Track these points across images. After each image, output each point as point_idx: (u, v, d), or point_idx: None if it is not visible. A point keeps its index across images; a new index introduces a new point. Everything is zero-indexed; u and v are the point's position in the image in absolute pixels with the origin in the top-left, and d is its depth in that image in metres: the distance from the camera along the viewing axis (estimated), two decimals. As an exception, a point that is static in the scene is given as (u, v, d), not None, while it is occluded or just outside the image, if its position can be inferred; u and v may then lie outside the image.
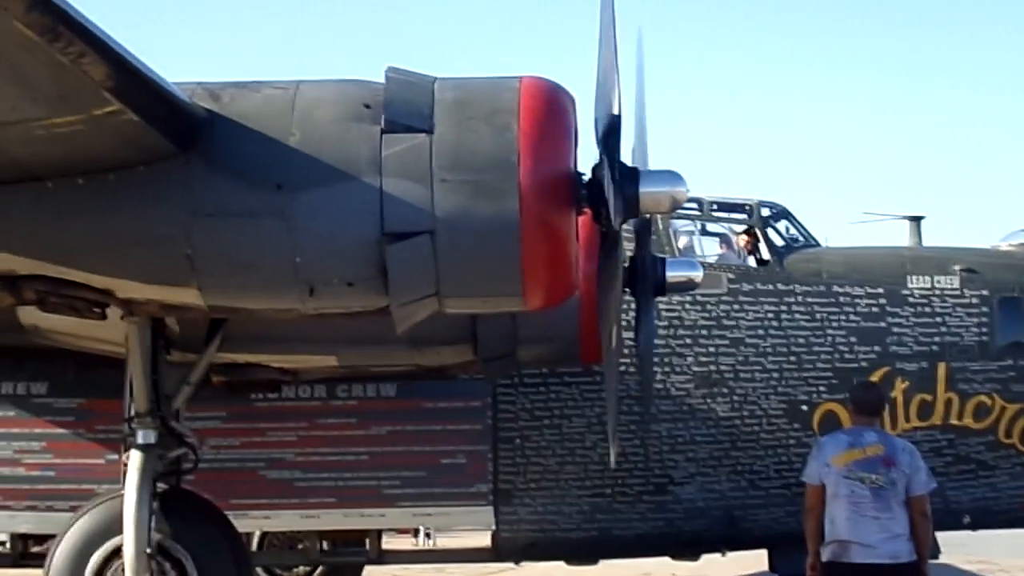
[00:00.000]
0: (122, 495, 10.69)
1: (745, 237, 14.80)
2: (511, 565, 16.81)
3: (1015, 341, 14.29)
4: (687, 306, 14.14)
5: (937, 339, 14.25)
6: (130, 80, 8.54)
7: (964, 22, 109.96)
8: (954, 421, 14.16)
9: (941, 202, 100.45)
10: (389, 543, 16.81)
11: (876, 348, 14.23)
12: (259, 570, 15.70)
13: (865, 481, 10.18)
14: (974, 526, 14.42)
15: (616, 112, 9.72)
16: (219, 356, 11.83)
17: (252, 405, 13.84)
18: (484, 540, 14.63)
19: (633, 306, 12.23)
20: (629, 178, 9.94)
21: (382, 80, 9.34)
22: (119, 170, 9.16)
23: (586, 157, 9.73)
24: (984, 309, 14.35)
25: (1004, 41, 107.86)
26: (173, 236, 9.21)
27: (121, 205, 9.23)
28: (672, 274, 12.39)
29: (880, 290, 14.37)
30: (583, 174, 9.66)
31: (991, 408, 14.18)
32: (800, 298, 14.33)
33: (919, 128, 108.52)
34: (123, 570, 10.60)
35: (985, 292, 14.40)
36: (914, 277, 14.44)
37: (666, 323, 14.01)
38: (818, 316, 14.28)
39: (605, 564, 15.31)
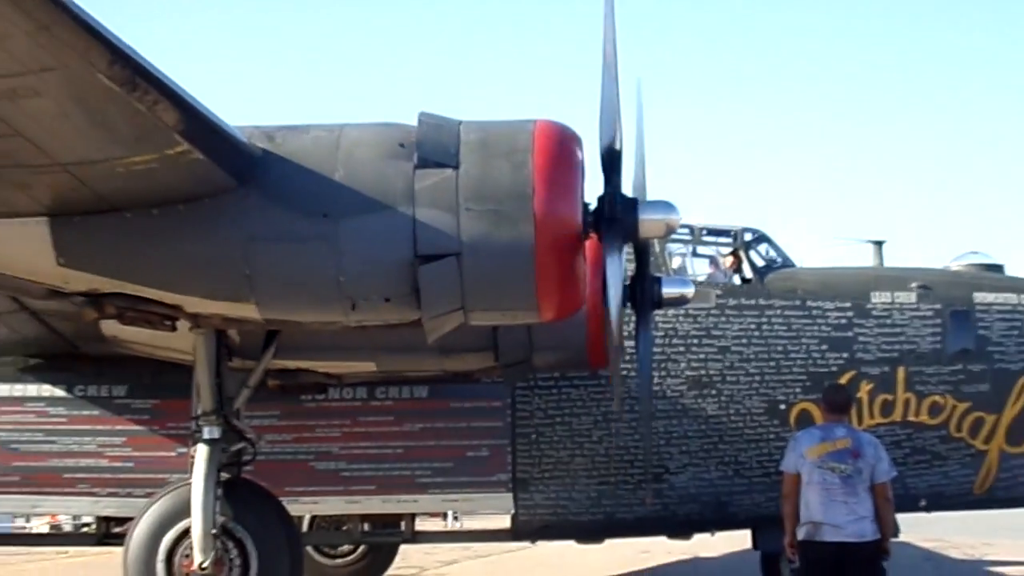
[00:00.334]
0: (191, 483, 10.69)
1: (730, 258, 14.75)
2: (528, 544, 16.77)
3: (964, 348, 14.23)
4: (680, 318, 14.10)
5: (897, 347, 14.20)
6: (197, 124, 8.56)
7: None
8: (912, 418, 14.10)
9: (902, 227, 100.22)
10: (421, 525, 16.79)
11: (844, 354, 14.18)
12: (309, 549, 15.66)
13: (835, 470, 10.15)
14: (929, 508, 14.34)
15: (618, 149, 9.72)
16: (274, 362, 11.82)
17: (302, 405, 13.81)
18: (504, 522, 14.58)
19: (633, 319, 12.20)
20: (629, 207, 9.96)
21: (415, 123, 9.37)
22: (187, 201, 9.18)
23: (593, 187, 9.75)
24: (937, 321, 14.29)
25: (964, 81, 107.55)
26: (234, 259, 9.23)
27: (189, 232, 9.24)
28: (667, 291, 12.34)
29: (848, 304, 14.32)
30: (589, 204, 9.66)
31: (943, 406, 14.12)
32: (778, 311, 14.29)
33: (883, 162, 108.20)
34: (192, 548, 10.61)
35: (938, 306, 14.34)
36: (877, 293, 14.39)
37: (662, 333, 13.96)
38: (794, 327, 14.24)
39: (609, 543, 15.27)
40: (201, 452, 10.76)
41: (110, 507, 13.89)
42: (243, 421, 11.46)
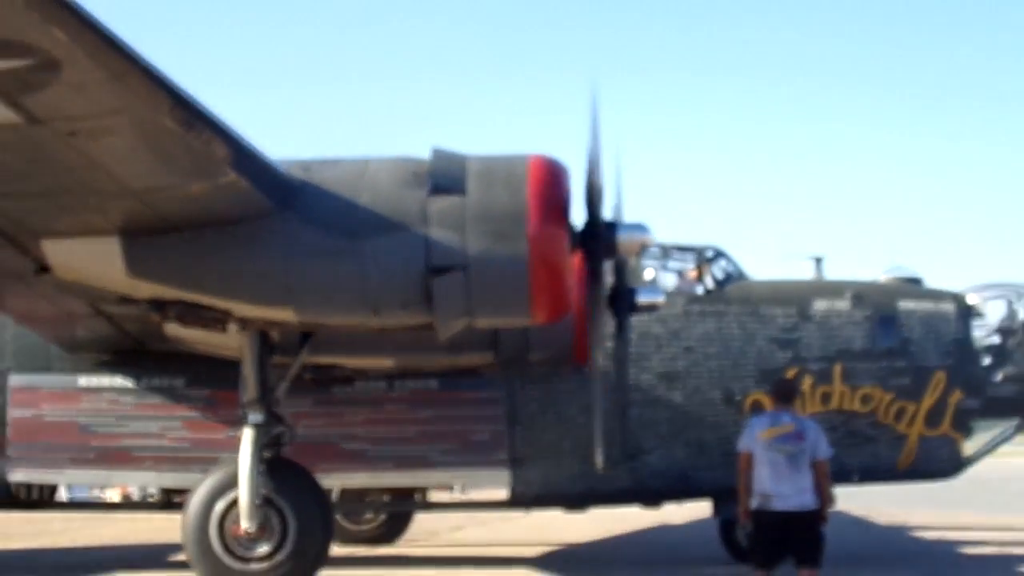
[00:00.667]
0: (238, 461, 10.67)
1: (695, 272, 14.74)
2: (523, 512, 16.74)
3: (890, 347, 14.22)
4: (652, 322, 14.07)
5: (834, 346, 14.19)
6: (244, 157, 8.59)
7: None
8: (846, 407, 14.07)
9: (838, 245, 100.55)
10: (433, 496, 16.76)
11: (790, 353, 14.15)
12: (338, 516, 15.61)
13: (782, 451, 10.11)
14: (861, 481, 14.32)
15: (600, 182, 9.75)
16: (308, 358, 11.79)
17: (332, 395, 13.76)
18: (503, 494, 14.54)
19: (613, 322, 12.18)
20: (610, 228, 10.01)
21: (428, 156, 9.40)
22: (236, 223, 9.19)
23: (579, 210, 9.77)
24: (868, 325, 14.28)
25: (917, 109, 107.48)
26: (275, 272, 9.25)
27: (237, 249, 9.26)
28: (642, 299, 12.34)
29: (793, 310, 14.30)
30: (576, 225, 9.67)
31: (873, 397, 14.10)
32: (735, 316, 14.25)
33: (824, 183, 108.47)
34: (240, 515, 10.58)
35: (868, 312, 14.33)
36: (818, 301, 14.38)
37: (637, 335, 13.93)
38: (748, 329, 14.21)
39: (592, 511, 15.23)
40: (247, 434, 10.74)
41: (171, 480, 13.86)
42: (282, 408, 11.43)
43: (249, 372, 10.90)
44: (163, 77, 7.54)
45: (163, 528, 17.08)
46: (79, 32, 6.84)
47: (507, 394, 13.90)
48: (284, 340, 11.28)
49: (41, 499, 14.65)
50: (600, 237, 9.95)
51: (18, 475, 13.81)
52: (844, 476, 13.50)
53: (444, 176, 9.21)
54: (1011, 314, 14.68)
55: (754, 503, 10.19)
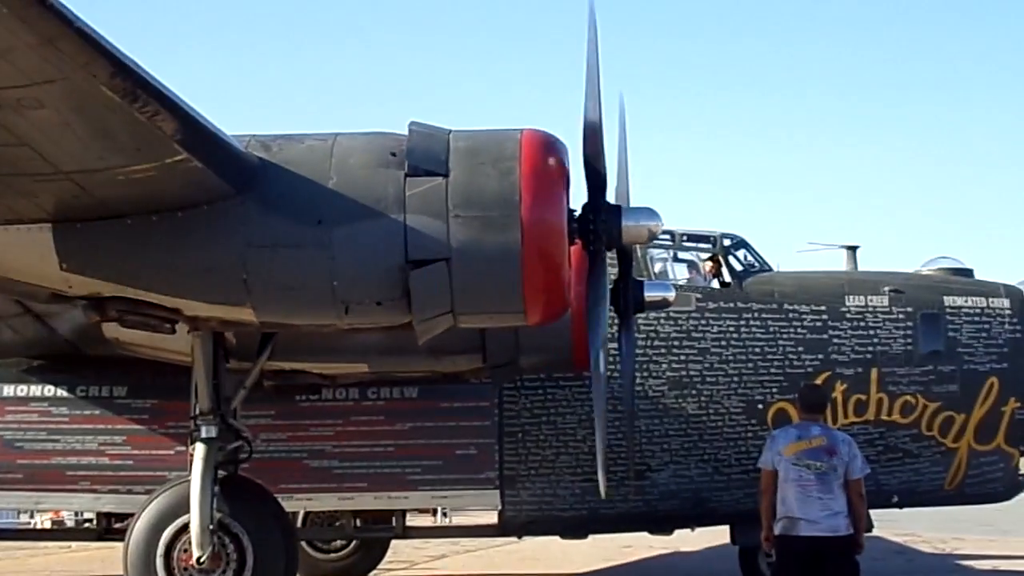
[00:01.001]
0: (189, 481, 10.69)
1: (710, 263, 14.77)
2: (514, 539, 16.79)
3: (934, 350, 14.26)
4: (662, 321, 14.11)
5: (870, 348, 14.22)
6: (196, 133, 8.57)
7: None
8: (884, 417, 14.12)
9: (875, 232, 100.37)
10: (412, 521, 16.80)
11: (819, 356, 14.20)
12: (303, 544, 15.64)
13: (811, 467, 10.17)
14: (901, 504, 14.39)
15: (602, 158, 9.75)
16: (269, 364, 11.83)
17: (297, 405, 13.79)
18: (491, 518, 14.59)
19: (616, 321, 12.22)
20: (613, 214, 10.01)
21: (405, 132, 9.38)
22: (186, 208, 9.19)
23: (578, 195, 9.77)
24: (909, 323, 14.32)
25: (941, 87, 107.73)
26: (231, 264, 9.24)
27: (188, 238, 9.25)
28: (649, 295, 12.35)
29: (823, 307, 14.34)
30: (574, 210, 9.69)
31: (915, 406, 14.15)
32: (756, 314, 14.30)
33: (857, 167, 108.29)
34: (190, 543, 10.60)
35: (910, 309, 14.37)
36: (851, 297, 14.42)
37: (644, 336, 13.98)
38: (771, 329, 14.25)
39: (593, 538, 15.28)
40: (199, 450, 10.76)
41: (111, 504, 13.87)
42: (239, 420, 11.45)
43: (201, 379, 10.90)
44: (101, 41, 7.50)
45: (102, 559, 17.08)
46: (-1, -14, 6.81)
47: (496, 404, 13.94)
48: (241, 343, 11.30)
49: (-41, 527, 14.66)
50: (602, 224, 9.98)
51: (-69, 499, 13.86)
52: (882, 498, 13.58)
53: (424, 155, 9.21)
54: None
55: (778, 528, 10.25)
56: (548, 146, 9.38)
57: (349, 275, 9.16)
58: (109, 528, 14.53)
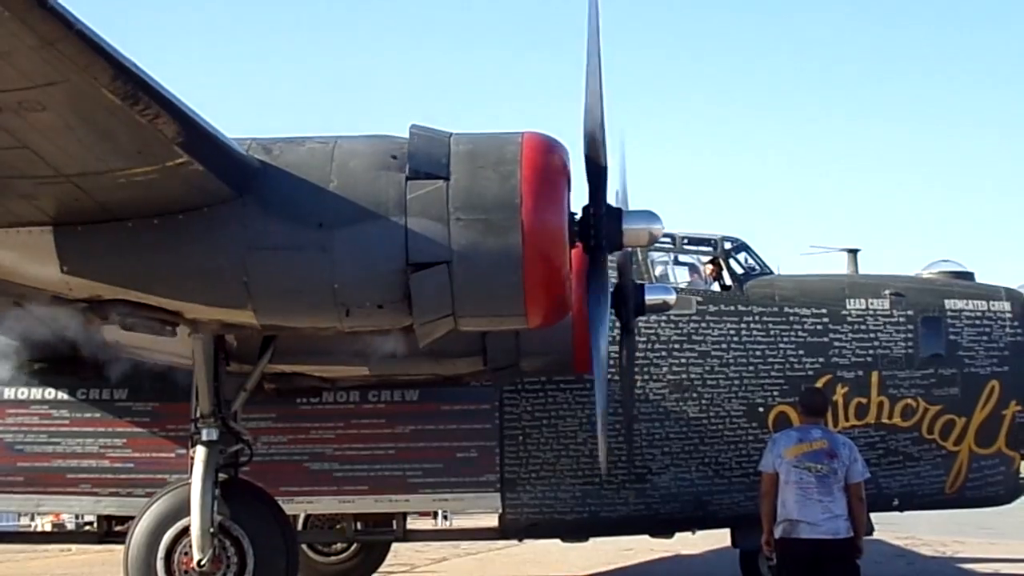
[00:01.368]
0: (190, 483, 10.69)
1: (711, 266, 14.77)
2: (515, 542, 16.77)
3: (935, 353, 14.26)
4: (662, 324, 14.11)
5: (871, 351, 14.22)
6: (197, 136, 8.56)
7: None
8: (885, 420, 14.12)
9: (875, 235, 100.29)
10: (412, 524, 16.79)
11: (820, 359, 14.20)
12: (304, 547, 15.63)
13: (811, 470, 10.17)
14: (902, 508, 14.38)
15: (603, 161, 9.74)
16: (270, 367, 11.81)
17: (297, 408, 13.80)
18: (492, 521, 14.59)
19: (617, 324, 12.21)
20: (614, 217, 9.99)
21: (406, 135, 9.38)
22: (187, 211, 9.18)
23: (578, 198, 9.76)
24: (909, 327, 14.32)
25: (940, 85, 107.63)
26: (232, 267, 9.22)
27: (189, 241, 9.24)
28: (650, 298, 12.38)
29: (823, 311, 14.34)
30: (575, 213, 9.68)
31: (916, 409, 14.15)
32: (757, 318, 14.30)
33: (859, 171, 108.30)
34: (191, 546, 10.60)
35: (910, 312, 14.37)
36: (852, 300, 14.42)
37: (645, 339, 13.97)
38: (772, 332, 14.26)
39: (594, 541, 15.28)
40: (199, 453, 10.76)
41: (111, 507, 13.88)
42: (240, 423, 11.45)
43: (201, 382, 10.90)
44: (102, 44, 7.50)
45: (102, 562, 17.08)
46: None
47: (497, 406, 13.94)
48: (242, 345, 11.30)
49: (-41, 529, 14.67)
50: (603, 227, 9.97)
51: (-69, 501, 13.86)
52: (882, 501, 13.58)
53: (425, 158, 9.20)
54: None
55: (779, 531, 10.25)
56: (549, 149, 9.37)
57: (350, 278, 9.15)
58: (110, 531, 14.51)
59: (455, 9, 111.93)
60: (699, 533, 15.45)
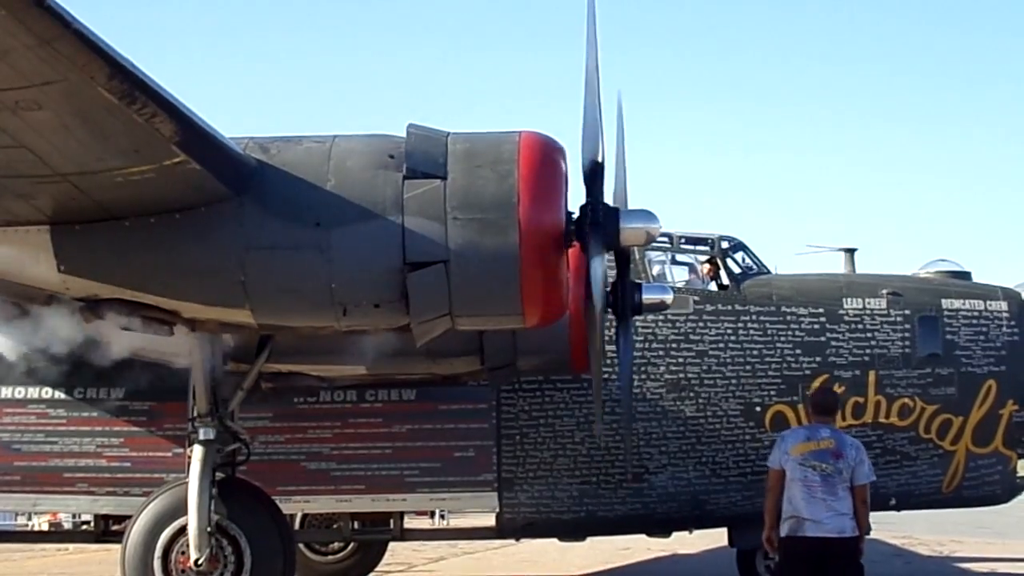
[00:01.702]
0: (187, 483, 10.70)
1: (708, 266, 14.77)
2: (512, 541, 16.77)
3: (932, 352, 14.25)
4: (660, 324, 14.11)
5: (868, 351, 14.22)
6: (194, 135, 8.56)
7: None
8: (882, 419, 14.12)
9: (872, 235, 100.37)
10: (409, 523, 16.78)
11: (817, 358, 14.19)
12: (301, 546, 15.62)
13: (816, 469, 10.15)
14: (899, 507, 14.37)
15: (600, 160, 9.73)
16: (267, 366, 11.81)
17: (294, 407, 13.79)
18: (489, 521, 14.58)
19: (614, 324, 12.21)
20: (611, 216, 9.98)
21: (403, 134, 9.37)
22: (184, 210, 9.18)
23: (576, 197, 9.76)
24: (907, 326, 14.32)
25: (937, 86, 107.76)
26: (229, 266, 9.23)
27: (186, 240, 9.24)
28: (647, 297, 12.34)
29: (821, 310, 14.33)
30: (572, 212, 9.68)
31: (913, 409, 14.15)
32: (754, 317, 14.29)
33: (856, 170, 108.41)
34: (188, 545, 10.60)
35: (907, 312, 14.37)
36: (849, 299, 14.41)
37: (642, 338, 13.97)
38: (769, 332, 14.25)
39: (591, 541, 15.27)
40: (197, 452, 10.76)
41: (108, 506, 13.87)
42: (237, 422, 11.45)
43: (199, 381, 10.91)
44: (100, 43, 7.50)
45: (99, 561, 17.07)
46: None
47: (494, 406, 13.94)
48: (239, 344, 11.29)
49: (-44, 528, 14.66)
50: (600, 226, 9.96)
51: (-73, 500, 13.85)
52: (879, 501, 13.52)
53: (422, 157, 9.20)
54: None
55: (784, 528, 10.22)
56: (546, 148, 9.37)
57: (347, 277, 9.15)
58: (107, 530, 14.52)
59: (454, 9, 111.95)
60: (696, 532, 15.44)
